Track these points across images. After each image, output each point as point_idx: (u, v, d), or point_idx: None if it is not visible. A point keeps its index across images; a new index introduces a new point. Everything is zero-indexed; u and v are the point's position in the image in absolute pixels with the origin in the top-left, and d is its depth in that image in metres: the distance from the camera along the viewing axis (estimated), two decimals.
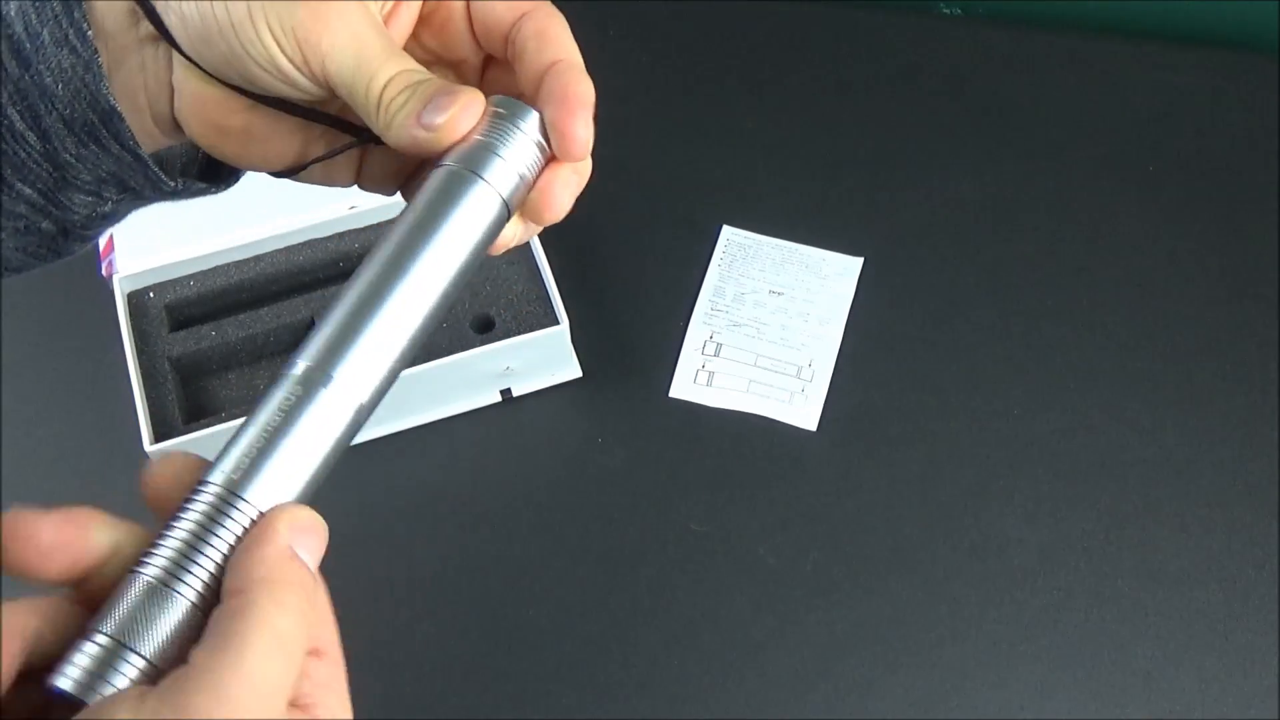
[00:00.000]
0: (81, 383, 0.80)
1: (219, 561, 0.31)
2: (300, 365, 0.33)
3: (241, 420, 0.33)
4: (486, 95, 0.38)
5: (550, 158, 0.38)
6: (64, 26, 0.37)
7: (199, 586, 0.31)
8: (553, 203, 0.39)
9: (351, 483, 0.73)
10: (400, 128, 0.37)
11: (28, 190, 0.39)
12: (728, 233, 0.84)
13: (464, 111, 0.37)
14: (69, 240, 0.42)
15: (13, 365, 0.81)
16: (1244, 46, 0.92)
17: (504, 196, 0.37)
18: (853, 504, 0.73)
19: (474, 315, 0.78)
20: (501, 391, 0.77)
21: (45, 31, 0.37)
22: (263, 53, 0.37)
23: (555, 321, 0.75)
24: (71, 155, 0.38)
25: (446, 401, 0.76)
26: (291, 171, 0.42)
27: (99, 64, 0.37)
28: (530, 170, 0.37)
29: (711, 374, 0.78)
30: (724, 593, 0.70)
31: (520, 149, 0.37)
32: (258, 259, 0.81)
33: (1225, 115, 0.88)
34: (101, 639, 0.30)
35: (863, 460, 0.75)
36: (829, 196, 0.86)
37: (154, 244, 0.80)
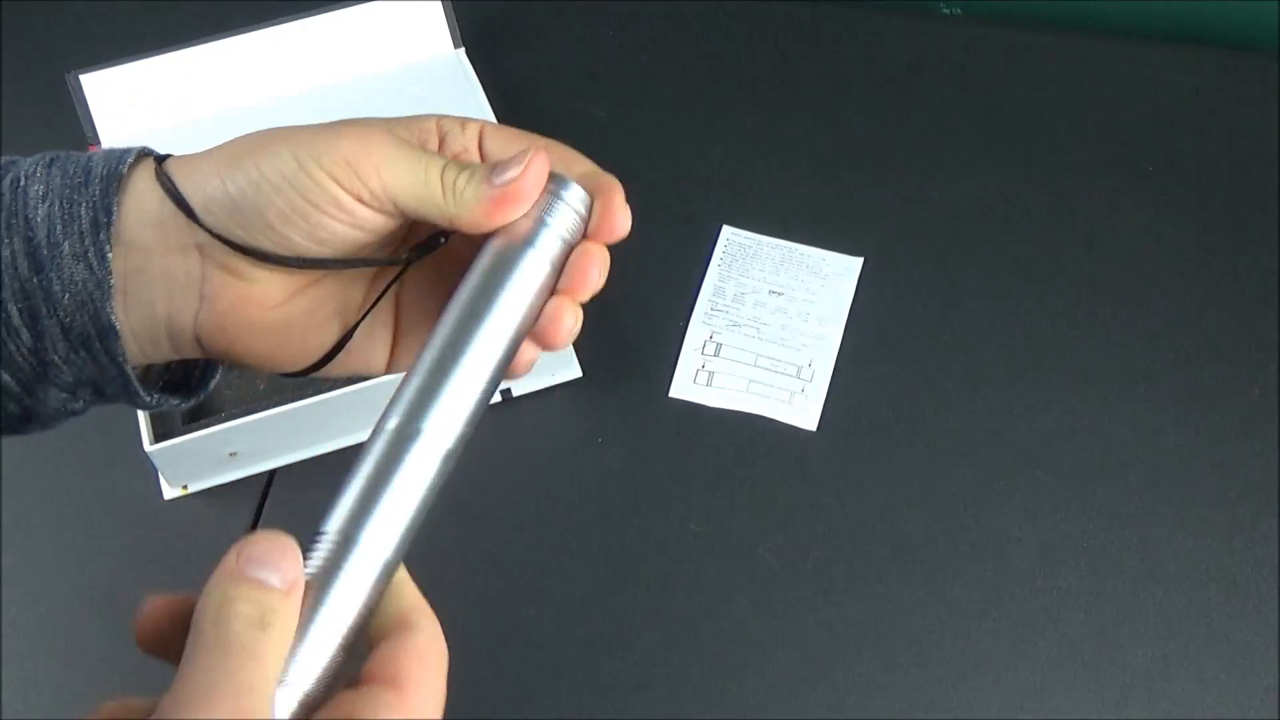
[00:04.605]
0: None
1: None
2: (393, 420, 0.37)
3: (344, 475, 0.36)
4: None
5: (585, 231, 0.41)
6: (85, 243, 0.38)
7: None
8: (587, 278, 0.41)
9: None
10: (474, 199, 0.39)
11: (6, 377, 0.40)
12: (728, 233, 0.84)
13: (535, 161, 0.39)
14: (29, 425, 0.43)
15: None
16: (1244, 46, 0.92)
17: (552, 261, 0.40)
18: (853, 504, 0.73)
19: None
20: (501, 391, 0.77)
21: (67, 244, 0.38)
22: (323, 195, 0.38)
23: None
24: (60, 357, 0.39)
25: None
26: (322, 363, 0.43)
27: (110, 284, 0.38)
28: (573, 237, 0.41)
29: (711, 374, 0.78)
30: (724, 593, 0.70)
31: (564, 218, 0.40)
32: None
33: (1225, 115, 0.88)
34: None
35: (863, 460, 0.75)
36: (829, 196, 0.86)
37: None
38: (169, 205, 0.39)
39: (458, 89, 0.87)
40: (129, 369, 0.40)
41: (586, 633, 0.70)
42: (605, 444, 0.76)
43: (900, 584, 0.70)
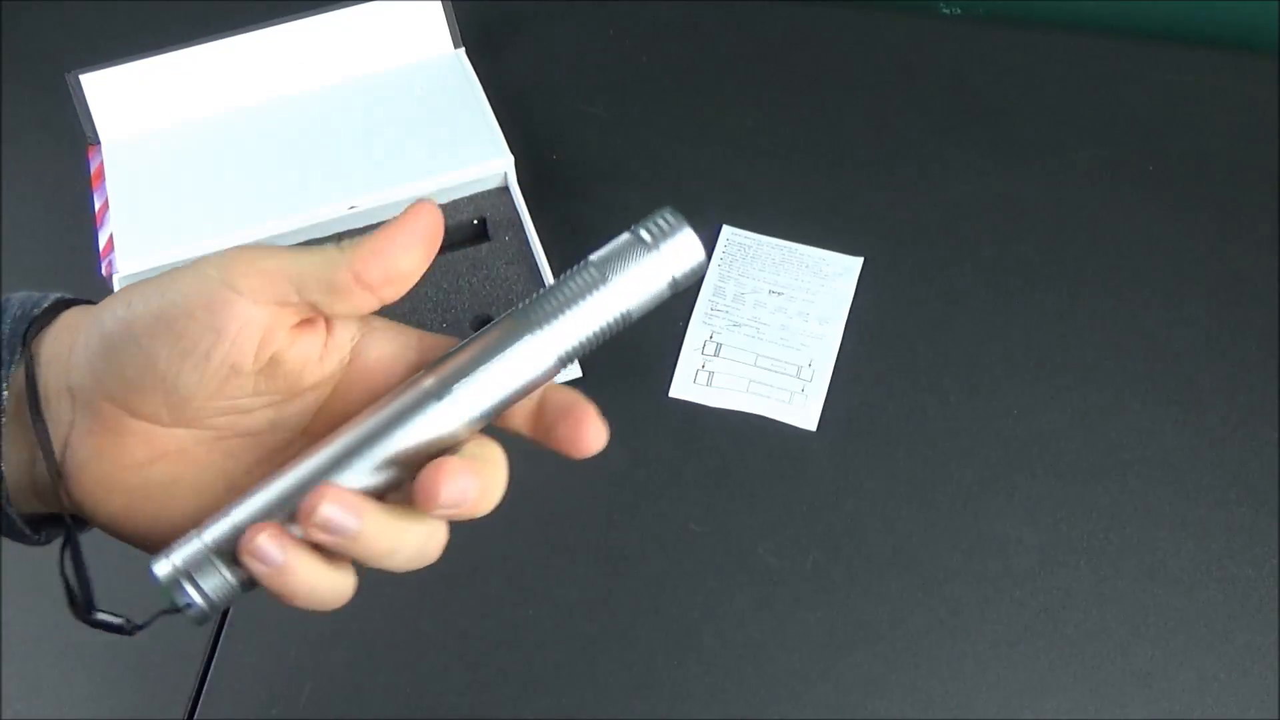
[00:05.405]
0: None
1: None
2: (428, 380, 0.38)
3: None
4: None
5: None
6: None
7: None
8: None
9: None
10: (359, 251, 0.38)
11: None
12: (728, 233, 0.84)
13: (414, 211, 0.38)
14: None
15: None
16: (1244, 46, 0.92)
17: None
18: (853, 504, 0.73)
19: (474, 315, 0.78)
20: None
21: None
22: (211, 289, 0.37)
23: None
24: None
25: None
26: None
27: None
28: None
29: (711, 374, 0.78)
30: (724, 593, 0.70)
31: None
32: None
33: (1225, 115, 0.88)
34: None
35: (863, 460, 0.75)
36: (829, 196, 0.86)
37: (154, 244, 0.80)
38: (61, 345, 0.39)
39: (458, 89, 0.87)
40: (10, 509, 0.39)
41: (586, 633, 0.70)
42: (605, 444, 0.76)
43: (900, 584, 0.70)
